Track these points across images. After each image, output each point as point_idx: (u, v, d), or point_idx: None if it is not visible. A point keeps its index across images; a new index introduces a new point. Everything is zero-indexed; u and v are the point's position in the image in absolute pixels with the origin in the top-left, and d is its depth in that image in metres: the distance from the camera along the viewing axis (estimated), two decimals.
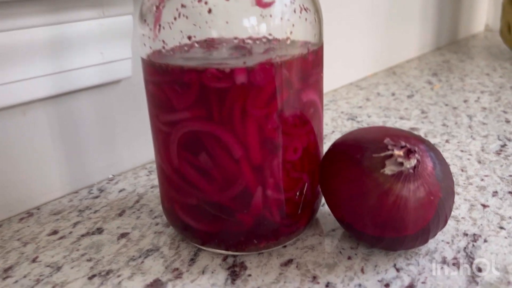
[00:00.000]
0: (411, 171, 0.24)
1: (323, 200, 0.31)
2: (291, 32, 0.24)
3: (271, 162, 0.25)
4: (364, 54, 0.64)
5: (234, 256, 0.27)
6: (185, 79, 0.23)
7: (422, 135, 0.44)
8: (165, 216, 0.29)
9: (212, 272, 0.26)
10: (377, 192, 0.25)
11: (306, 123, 0.26)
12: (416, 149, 0.25)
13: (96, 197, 0.35)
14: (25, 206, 0.33)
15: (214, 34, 0.24)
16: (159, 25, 0.24)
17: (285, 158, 0.25)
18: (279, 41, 0.24)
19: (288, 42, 0.24)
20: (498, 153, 0.39)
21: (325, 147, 0.29)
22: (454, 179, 0.32)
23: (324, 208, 0.32)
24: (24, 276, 0.26)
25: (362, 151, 0.26)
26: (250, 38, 0.23)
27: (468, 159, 0.38)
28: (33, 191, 0.34)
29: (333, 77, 0.58)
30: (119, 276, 0.26)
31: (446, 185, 0.26)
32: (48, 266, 0.27)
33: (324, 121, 0.33)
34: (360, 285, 0.25)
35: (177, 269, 0.26)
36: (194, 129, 0.24)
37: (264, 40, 0.23)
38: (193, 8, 0.23)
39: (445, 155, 0.39)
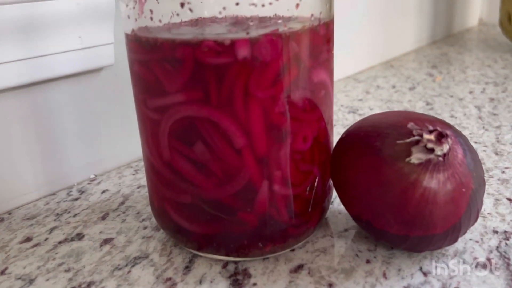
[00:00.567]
0: (441, 159, 0.21)
1: (332, 197, 0.28)
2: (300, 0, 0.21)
3: (278, 152, 0.22)
4: (360, 47, 0.63)
5: (236, 262, 0.24)
6: (177, 55, 0.20)
7: None
8: (155, 218, 0.26)
9: (211, 282, 0.23)
10: (402, 184, 0.21)
11: (316, 108, 0.23)
12: (448, 133, 0.21)
13: (76, 199, 0.32)
14: None
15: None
16: None
17: (293, 148, 0.22)
18: (287, 10, 0.20)
19: (298, 11, 0.21)
20: None
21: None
22: None
23: (333, 206, 0.29)
24: None
25: (382, 137, 0.23)
26: (253, 4, 0.20)
27: (484, 150, 0.36)
28: (4, 193, 0.31)
29: None
30: None
31: (478, 175, 0.23)
32: (19, 278, 0.24)
33: None
34: None
35: (170, 278, 0.24)
36: (188, 115, 0.21)
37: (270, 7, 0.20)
38: None
39: None
